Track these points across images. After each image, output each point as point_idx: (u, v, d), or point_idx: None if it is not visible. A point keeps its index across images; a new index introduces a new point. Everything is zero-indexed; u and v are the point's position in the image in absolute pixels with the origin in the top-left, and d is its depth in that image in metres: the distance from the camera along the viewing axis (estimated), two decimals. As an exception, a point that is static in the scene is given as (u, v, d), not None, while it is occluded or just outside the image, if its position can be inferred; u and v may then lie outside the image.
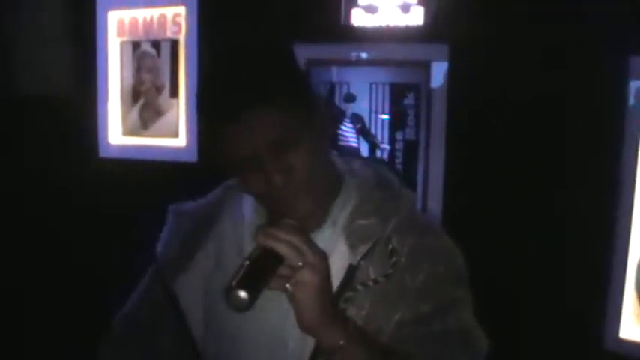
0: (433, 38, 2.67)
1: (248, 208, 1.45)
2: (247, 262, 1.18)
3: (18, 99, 3.76)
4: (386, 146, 2.64)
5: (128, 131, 3.48)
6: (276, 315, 1.32)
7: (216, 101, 1.28)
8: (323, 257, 1.22)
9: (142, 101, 3.44)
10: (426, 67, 2.65)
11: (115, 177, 3.42)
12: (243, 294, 1.13)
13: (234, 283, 1.14)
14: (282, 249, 1.18)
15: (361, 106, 2.71)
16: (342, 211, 1.40)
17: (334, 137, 2.70)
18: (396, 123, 2.62)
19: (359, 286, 1.33)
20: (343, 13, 2.74)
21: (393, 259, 1.34)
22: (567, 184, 2.55)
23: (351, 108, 2.72)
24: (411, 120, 2.59)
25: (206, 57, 3.20)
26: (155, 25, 3.38)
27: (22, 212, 3.65)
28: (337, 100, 2.72)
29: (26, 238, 3.62)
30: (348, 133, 2.72)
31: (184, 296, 1.45)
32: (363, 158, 1.59)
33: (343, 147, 2.74)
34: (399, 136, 2.62)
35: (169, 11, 3.31)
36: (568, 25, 2.49)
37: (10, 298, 3.60)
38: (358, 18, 2.74)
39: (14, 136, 3.76)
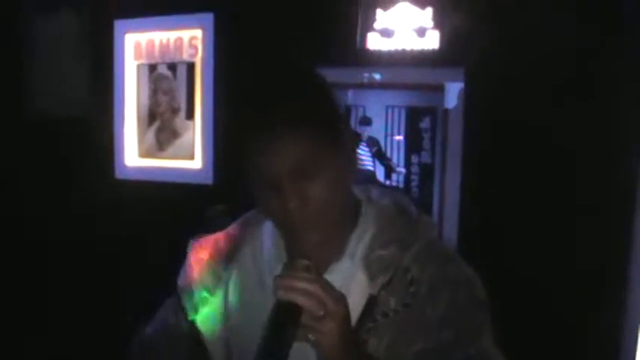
0: (449, 62, 2.69)
1: (267, 241, 1.46)
2: (266, 334, 1.19)
3: (36, 121, 3.80)
4: (402, 170, 2.65)
5: (144, 153, 3.51)
6: (299, 354, 1.27)
7: (244, 121, 1.29)
8: (342, 301, 1.21)
9: (158, 123, 3.47)
10: (441, 90, 2.67)
11: (131, 198, 3.45)
12: None
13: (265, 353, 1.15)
14: (303, 302, 1.18)
15: (377, 130, 2.72)
16: (360, 242, 1.40)
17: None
18: (412, 146, 2.63)
19: (379, 317, 1.33)
20: (359, 37, 2.77)
21: (413, 289, 1.34)
22: (581, 209, 2.55)
23: (366, 131, 2.73)
24: (426, 143, 2.60)
25: (222, 80, 3.23)
26: (172, 47, 3.42)
27: (40, 233, 3.68)
28: (353, 123, 2.74)
29: (43, 258, 3.65)
30: (363, 157, 2.73)
31: (205, 328, 1.47)
32: (380, 186, 1.59)
33: (359, 171, 2.75)
34: (414, 159, 2.63)
35: (186, 34, 3.35)
36: (585, 49, 2.50)
37: (28, 316, 3.63)
38: (374, 42, 2.76)
39: (33, 158, 3.80)
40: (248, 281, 1.44)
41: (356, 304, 1.32)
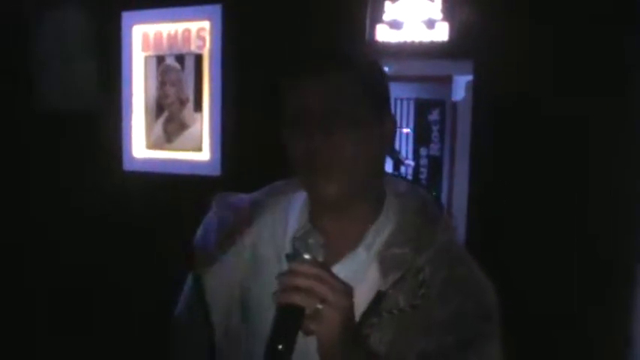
0: (458, 54, 2.69)
1: (293, 214, 1.46)
2: (270, 338, 1.21)
3: (44, 114, 3.81)
4: (410, 162, 2.65)
5: (152, 145, 3.52)
6: (302, 339, 1.28)
7: (305, 53, 1.35)
8: (344, 293, 1.23)
9: (166, 115, 3.48)
10: (450, 82, 2.66)
11: (139, 190, 3.46)
12: None
13: None
14: (301, 301, 1.20)
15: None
16: (378, 236, 1.40)
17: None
18: (421, 139, 2.64)
19: (384, 314, 1.34)
20: (368, 28, 2.77)
21: (422, 291, 1.34)
22: (590, 199, 2.55)
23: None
24: (435, 136, 2.60)
25: (229, 71, 3.24)
26: (180, 39, 3.43)
27: (49, 227, 3.69)
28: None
29: (53, 252, 3.67)
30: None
31: (211, 288, 1.47)
32: (409, 181, 1.59)
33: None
34: (423, 152, 2.64)
35: (194, 26, 3.36)
36: (595, 42, 2.49)
37: (44, 304, 3.65)
38: (383, 34, 2.76)
39: (41, 150, 3.81)
40: (265, 250, 1.44)
41: (364, 298, 1.32)
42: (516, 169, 2.68)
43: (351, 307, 1.24)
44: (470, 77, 2.64)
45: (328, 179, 1.30)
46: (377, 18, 2.77)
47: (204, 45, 3.34)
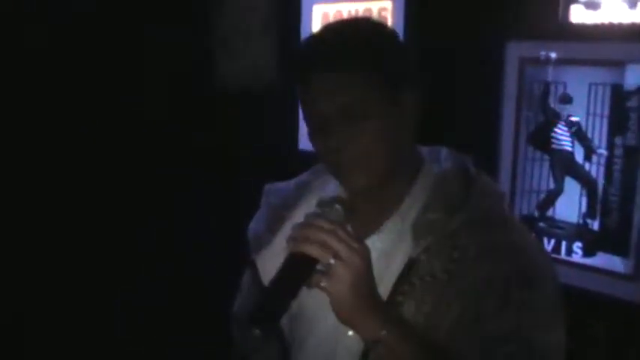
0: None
1: (333, 190, 1.48)
2: (273, 280, 1.24)
3: (221, 91, 3.93)
4: (603, 152, 2.50)
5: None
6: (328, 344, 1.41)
7: (304, 57, 1.37)
8: (358, 251, 1.22)
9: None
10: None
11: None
12: (257, 332, 1.20)
13: (251, 317, 1.22)
14: (313, 252, 1.20)
15: (578, 108, 2.58)
16: (414, 204, 1.41)
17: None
18: (616, 127, 2.48)
19: (416, 281, 1.32)
20: (561, 9, 2.63)
21: (457, 255, 1.32)
22: None
23: (566, 110, 2.60)
24: (633, 124, 2.44)
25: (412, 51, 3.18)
26: (360, 19, 3.40)
27: (223, 202, 3.82)
28: (552, 101, 2.62)
29: (235, 225, 3.79)
30: (561, 137, 2.61)
31: (264, 270, 1.50)
32: (449, 148, 1.54)
33: (555, 151, 2.63)
34: (618, 141, 2.48)
35: (375, 5, 3.34)
36: None
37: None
38: (578, 15, 2.62)
39: (219, 130, 3.94)
40: None
41: (398, 266, 1.34)
42: None
43: (365, 268, 1.23)
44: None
45: (353, 174, 1.33)
46: (572, -2, 2.63)
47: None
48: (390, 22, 3.27)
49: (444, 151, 1.50)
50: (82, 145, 3.98)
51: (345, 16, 3.44)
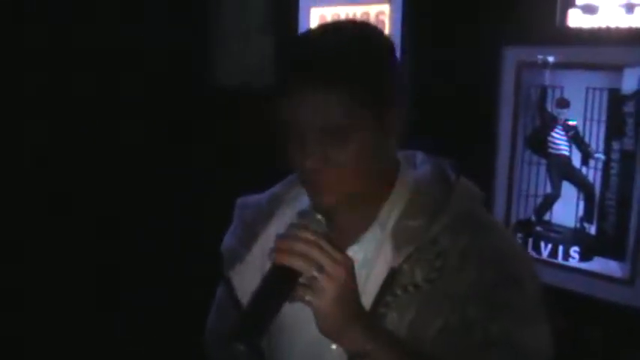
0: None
1: (306, 202, 1.43)
2: (256, 294, 1.21)
3: (218, 91, 3.92)
4: (600, 156, 2.50)
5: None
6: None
7: (284, 67, 1.31)
8: (342, 264, 1.20)
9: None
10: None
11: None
12: (241, 348, 1.15)
13: (234, 332, 1.17)
14: (296, 265, 1.18)
15: (575, 113, 2.57)
16: (391, 212, 1.37)
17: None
18: (613, 131, 2.47)
19: (399, 291, 1.30)
20: (558, 13, 2.63)
21: (439, 262, 1.29)
22: None
23: (563, 114, 2.60)
24: (630, 129, 2.44)
25: (409, 56, 3.17)
26: (357, 22, 3.39)
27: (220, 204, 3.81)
28: (549, 105, 2.61)
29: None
30: (559, 141, 2.61)
31: (240, 285, 1.48)
32: (424, 153, 1.52)
33: (552, 155, 2.63)
34: (615, 145, 2.47)
35: (373, 9, 3.32)
36: None
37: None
38: (575, 19, 2.62)
39: (217, 129, 3.93)
40: None
41: (379, 277, 1.31)
42: None
43: (349, 280, 1.21)
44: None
45: (324, 194, 1.29)
46: (569, 2, 2.63)
47: (383, 29, 3.29)
48: (387, 26, 3.27)
49: (419, 155, 1.48)
50: (81, 145, 3.98)
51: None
